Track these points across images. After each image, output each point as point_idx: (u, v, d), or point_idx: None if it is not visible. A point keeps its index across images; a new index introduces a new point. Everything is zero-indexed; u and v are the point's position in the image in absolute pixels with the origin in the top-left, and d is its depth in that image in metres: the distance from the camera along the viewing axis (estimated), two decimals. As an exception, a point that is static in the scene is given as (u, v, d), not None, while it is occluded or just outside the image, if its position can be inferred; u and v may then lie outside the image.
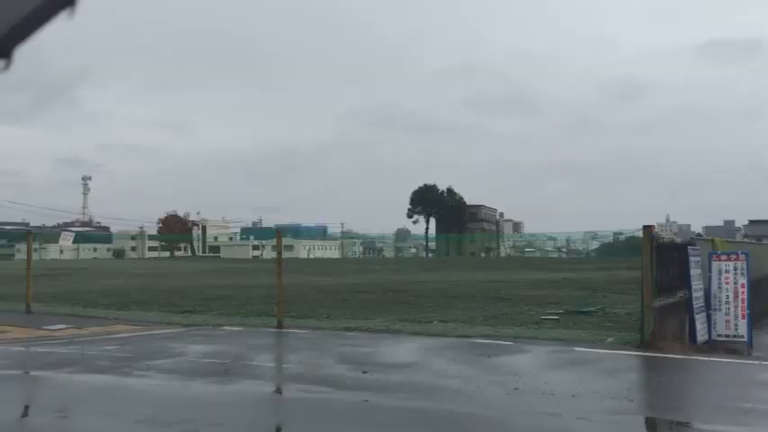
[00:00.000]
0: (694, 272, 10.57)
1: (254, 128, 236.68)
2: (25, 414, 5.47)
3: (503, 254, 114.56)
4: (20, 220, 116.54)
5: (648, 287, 8.85)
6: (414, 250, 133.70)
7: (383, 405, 5.46)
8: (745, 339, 10.40)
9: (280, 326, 10.81)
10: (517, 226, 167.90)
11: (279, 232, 11.95)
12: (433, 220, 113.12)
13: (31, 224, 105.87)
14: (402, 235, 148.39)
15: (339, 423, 5.02)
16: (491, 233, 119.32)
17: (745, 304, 10.50)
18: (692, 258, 10.52)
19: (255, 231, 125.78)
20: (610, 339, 9.37)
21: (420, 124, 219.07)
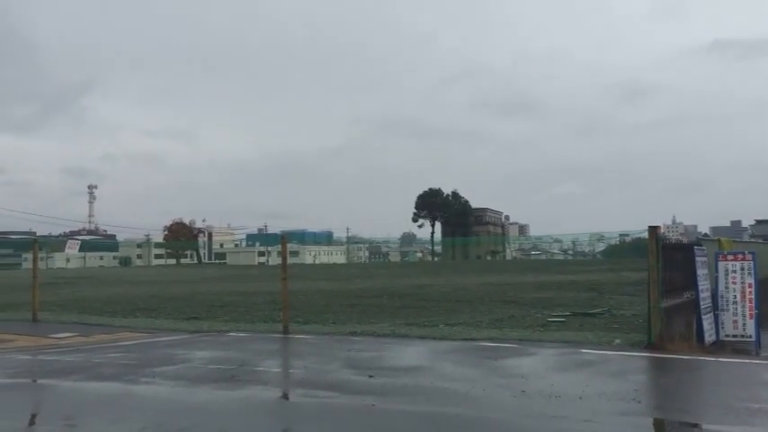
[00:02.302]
0: (701, 272, 10.52)
1: (260, 135, 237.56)
2: (32, 422, 5.47)
3: (509, 257, 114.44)
4: (26, 230, 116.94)
5: (655, 288, 8.81)
6: (419, 254, 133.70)
7: (390, 409, 5.46)
8: (753, 339, 10.35)
9: (286, 331, 10.83)
10: (523, 229, 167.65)
11: (284, 238, 11.90)
12: (438, 224, 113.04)
13: (38, 233, 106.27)
14: (407, 239, 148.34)
15: (346, 427, 5.01)
16: (497, 236, 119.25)
17: (753, 304, 10.45)
18: (698, 259, 10.46)
19: (261, 238, 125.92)
20: (617, 341, 9.34)
21: (425, 128, 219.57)
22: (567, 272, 34.86)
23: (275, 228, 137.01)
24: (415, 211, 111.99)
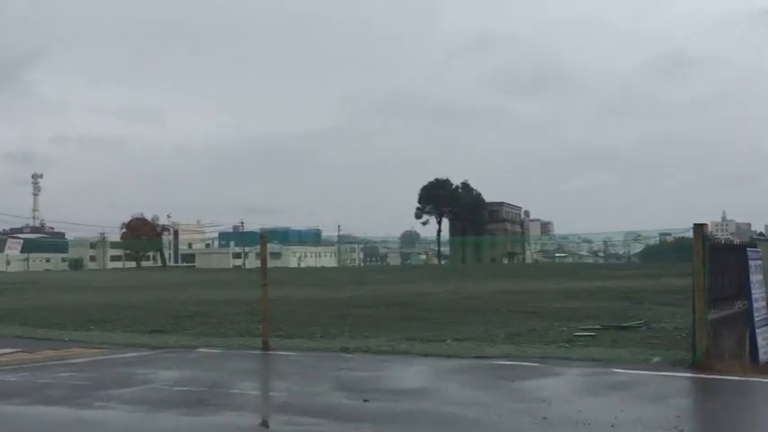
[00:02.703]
0: (755, 278, 10.53)
1: (237, 117, 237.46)
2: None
3: (529, 260, 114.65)
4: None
5: (701, 297, 8.81)
6: (423, 257, 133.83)
7: (387, 439, 5.44)
8: (817, 358, 10.37)
9: (265, 347, 10.93)
10: (546, 226, 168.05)
11: (264, 237, 11.95)
12: (445, 221, 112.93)
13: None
14: (409, 239, 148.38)
15: (335, 461, 5.03)
16: (515, 235, 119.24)
17: (817, 316, 10.46)
18: (752, 262, 10.47)
19: (236, 236, 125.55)
20: (655, 359, 9.43)
21: (431, 109, 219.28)
22: (598, 277, 34.90)
23: (253, 225, 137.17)
24: (418, 205, 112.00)
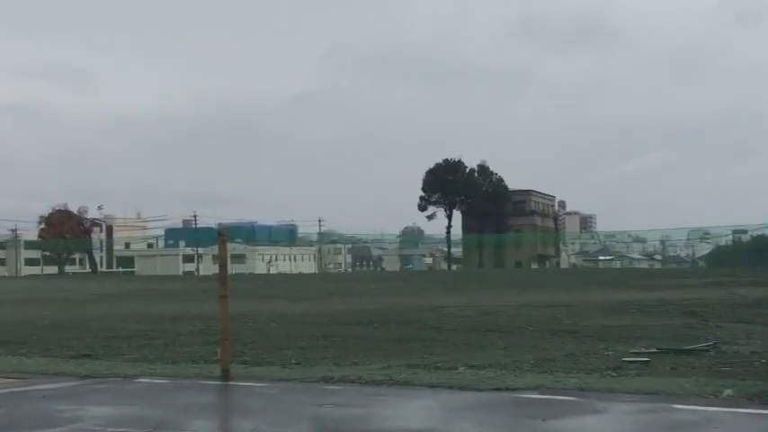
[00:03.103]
0: None
1: (186, 81, 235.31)
2: None
3: (564, 264, 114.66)
4: None
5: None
6: (429, 260, 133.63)
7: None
8: None
9: (226, 377, 11.01)
10: (586, 221, 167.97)
11: (223, 235, 11.78)
12: (457, 215, 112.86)
13: None
14: (411, 237, 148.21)
15: None
16: (546, 233, 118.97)
17: None
18: None
19: (188, 234, 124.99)
20: (727, 391, 9.43)
21: (439, 70, 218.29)
22: (653, 287, 35.08)
23: (210, 219, 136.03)
24: (422, 194, 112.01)
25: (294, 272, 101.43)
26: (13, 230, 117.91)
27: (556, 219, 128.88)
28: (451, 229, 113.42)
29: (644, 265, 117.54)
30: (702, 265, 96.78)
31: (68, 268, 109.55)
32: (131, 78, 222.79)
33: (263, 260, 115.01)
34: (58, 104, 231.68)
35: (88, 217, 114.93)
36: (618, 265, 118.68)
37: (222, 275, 11.48)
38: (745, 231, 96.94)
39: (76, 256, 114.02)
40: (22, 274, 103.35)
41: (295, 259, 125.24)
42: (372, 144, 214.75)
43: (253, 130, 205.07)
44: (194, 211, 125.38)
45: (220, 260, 11.58)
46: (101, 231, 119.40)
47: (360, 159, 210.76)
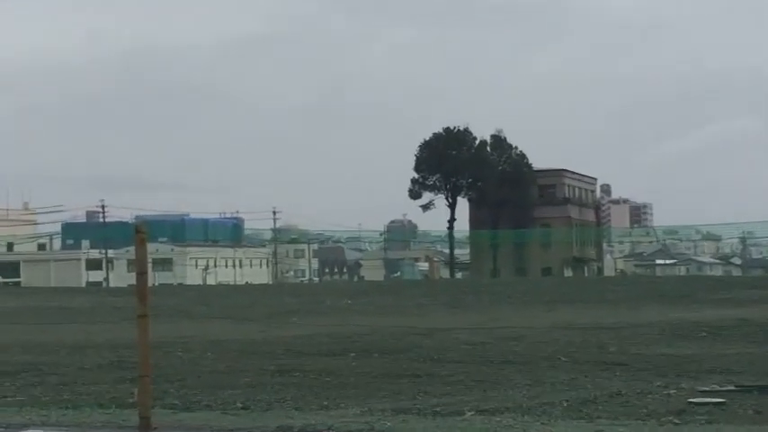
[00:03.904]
0: None
1: (88, 21, 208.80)
2: None
3: (610, 270, 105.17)
4: None
5: None
6: (424, 265, 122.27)
7: None
8: None
9: (145, 426, 9.67)
10: (639, 213, 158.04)
11: (141, 231, 10.50)
12: (463, 204, 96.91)
13: None
14: (400, 234, 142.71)
15: None
16: (585, 228, 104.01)
17: None
18: None
19: (93, 231, 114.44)
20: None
21: (439, 3, 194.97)
22: (730, 301, 34.07)
23: (123, 210, 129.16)
24: (415, 176, 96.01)
25: (239, 282, 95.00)
26: None
27: (598, 209, 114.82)
28: (455, 224, 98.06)
29: (718, 271, 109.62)
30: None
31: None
32: (5, 17, 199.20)
33: (196, 266, 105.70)
34: None
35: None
36: (682, 271, 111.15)
37: (141, 287, 10.31)
38: None
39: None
40: None
41: (241, 265, 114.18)
42: (347, 109, 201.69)
43: (181, 90, 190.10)
44: (101, 201, 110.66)
45: (138, 266, 10.48)
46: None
47: (330, 130, 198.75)
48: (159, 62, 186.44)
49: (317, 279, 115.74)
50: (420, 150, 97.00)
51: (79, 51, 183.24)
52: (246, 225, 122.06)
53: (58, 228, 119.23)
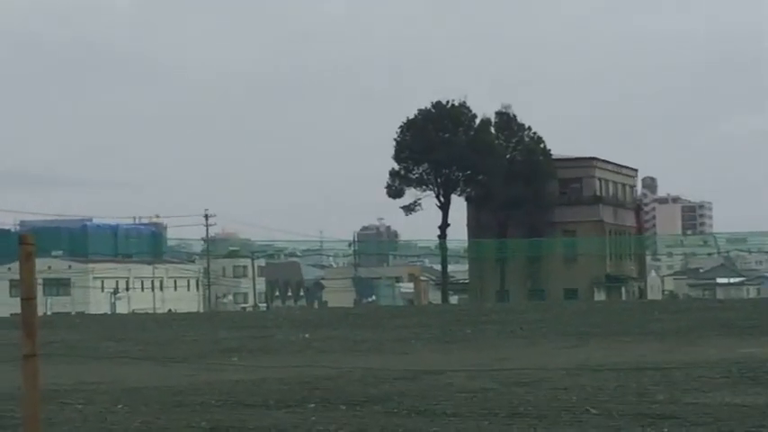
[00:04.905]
0: None
1: None
2: None
3: (655, 292, 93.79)
4: None
5: None
6: (407, 287, 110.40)
7: None
8: None
9: None
10: (694, 215, 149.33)
11: (28, 243, 8.04)
12: (459, 203, 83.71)
13: None
14: (376, 245, 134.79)
15: None
16: (623, 237, 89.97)
17: None
18: None
19: None
20: None
21: None
22: None
23: (3, 214, 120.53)
24: (395, 167, 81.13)
25: (160, 310, 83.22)
26: None
27: (639, 210, 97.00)
28: (449, 231, 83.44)
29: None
30: None
31: None
32: None
33: (103, 289, 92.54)
34: None
35: None
36: (752, 293, 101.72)
37: (28, 317, 8.14)
38: None
39: None
40: None
41: (162, 287, 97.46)
42: (304, 78, 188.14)
43: (81, 52, 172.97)
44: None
45: (24, 290, 8.26)
46: None
47: (281, 106, 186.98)
48: (52, 18, 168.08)
49: (263, 305, 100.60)
50: (401, 132, 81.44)
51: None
52: (169, 234, 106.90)
53: None
